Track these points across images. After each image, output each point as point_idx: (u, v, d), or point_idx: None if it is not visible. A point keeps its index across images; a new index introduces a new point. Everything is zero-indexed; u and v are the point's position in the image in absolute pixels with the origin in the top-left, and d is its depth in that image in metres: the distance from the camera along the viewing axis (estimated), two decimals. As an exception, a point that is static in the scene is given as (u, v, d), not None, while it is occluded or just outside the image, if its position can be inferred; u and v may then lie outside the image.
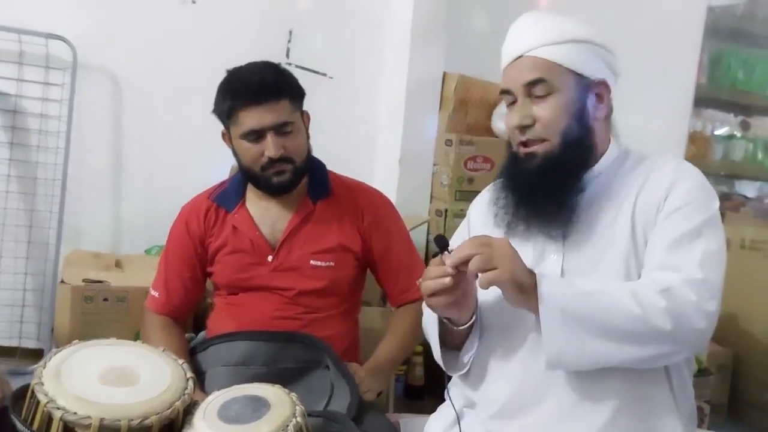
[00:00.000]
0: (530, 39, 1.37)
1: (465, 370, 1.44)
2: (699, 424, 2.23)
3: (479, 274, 1.24)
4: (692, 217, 1.32)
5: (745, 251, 3.09)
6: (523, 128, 1.36)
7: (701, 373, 2.83)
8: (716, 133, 4.28)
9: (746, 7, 4.13)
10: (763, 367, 3.09)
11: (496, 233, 1.41)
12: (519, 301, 1.27)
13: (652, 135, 3.33)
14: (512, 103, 1.39)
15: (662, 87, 3.42)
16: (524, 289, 1.25)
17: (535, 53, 1.36)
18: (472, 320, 1.38)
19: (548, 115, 1.35)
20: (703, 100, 3.98)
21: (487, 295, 1.39)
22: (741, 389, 3.17)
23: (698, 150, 3.97)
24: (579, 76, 1.37)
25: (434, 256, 1.33)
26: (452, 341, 1.44)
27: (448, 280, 1.26)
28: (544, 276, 1.27)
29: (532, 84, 1.35)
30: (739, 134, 4.31)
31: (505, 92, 1.40)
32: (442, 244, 1.30)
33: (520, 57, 1.37)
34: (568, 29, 1.37)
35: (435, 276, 1.27)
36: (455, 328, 1.38)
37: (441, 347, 1.43)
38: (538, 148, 1.36)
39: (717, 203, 1.38)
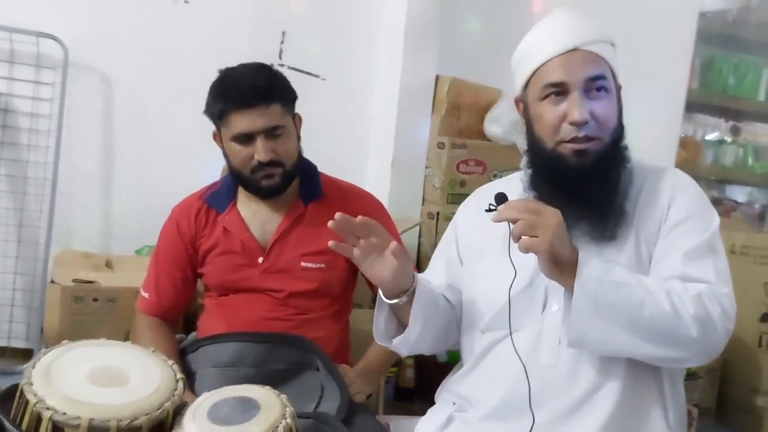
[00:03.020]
0: (585, 33, 1.34)
1: (409, 348, 1.43)
2: (687, 427, 2.24)
3: (521, 238, 1.23)
4: (701, 229, 1.33)
5: (736, 256, 3.11)
6: (583, 124, 1.31)
7: (690, 376, 2.84)
8: (707, 138, 4.30)
9: (738, 12, 4.16)
10: (751, 372, 3.11)
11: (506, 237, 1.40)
12: (553, 273, 1.26)
13: (644, 140, 3.32)
14: (558, 96, 1.34)
15: (654, 92, 3.43)
16: (560, 263, 1.24)
17: (593, 48, 1.33)
18: (402, 298, 1.36)
19: (606, 113, 1.33)
20: (694, 105, 4.00)
21: (489, 299, 1.40)
22: (729, 393, 3.18)
23: (689, 155, 3.99)
24: (614, 78, 1.38)
25: (487, 211, 1.31)
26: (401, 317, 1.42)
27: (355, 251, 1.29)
28: (587, 258, 1.26)
29: (593, 79, 1.32)
30: (729, 139, 4.34)
31: (554, 85, 1.33)
32: (502, 200, 1.29)
33: (574, 50, 1.33)
34: (605, 29, 1.37)
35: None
36: (386, 300, 1.37)
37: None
38: (590, 146, 1.33)
39: (717, 214, 1.40)
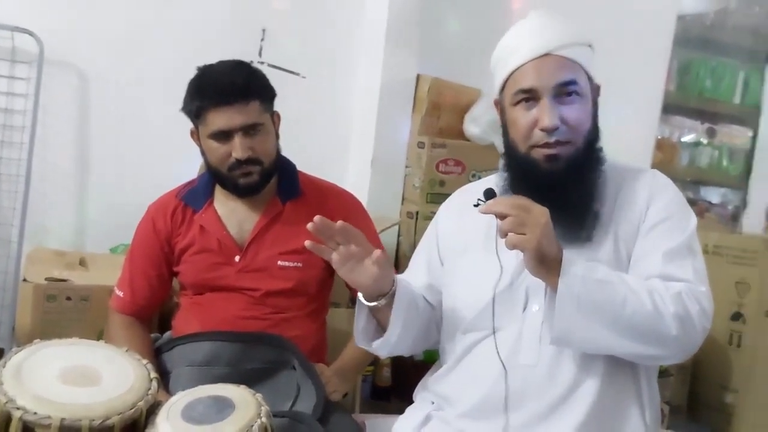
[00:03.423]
0: (557, 37, 1.35)
1: (389, 350, 1.43)
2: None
3: (507, 235, 1.23)
4: (680, 230, 1.35)
5: (709, 256, 3.14)
6: (553, 130, 1.33)
7: (662, 374, 2.86)
8: (683, 139, 4.35)
9: (716, 16, 4.20)
10: (721, 370, 3.15)
11: (487, 238, 1.41)
12: (538, 271, 1.27)
13: (621, 141, 3.34)
14: (529, 102, 1.35)
15: (631, 93, 3.46)
16: (546, 262, 1.25)
17: (563, 52, 1.34)
18: (382, 300, 1.36)
19: (577, 118, 1.34)
20: (671, 108, 4.04)
21: (472, 298, 1.40)
22: (700, 391, 3.23)
23: (665, 156, 4.03)
24: (590, 80, 1.38)
25: (475, 206, 1.32)
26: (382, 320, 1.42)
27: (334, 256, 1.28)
28: (572, 256, 1.27)
29: (564, 84, 1.33)
30: (705, 141, 4.39)
31: (525, 91, 1.35)
32: (490, 196, 1.30)
33: (546, 55, 1.34)
34: (582, 31, 1.37)
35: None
36: (366, 303, 1.37)
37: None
38: (561, 151, 1.34)
39: (694, 215, 1.41)
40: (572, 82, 1.34)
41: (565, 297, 1.24)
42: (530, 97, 1.35)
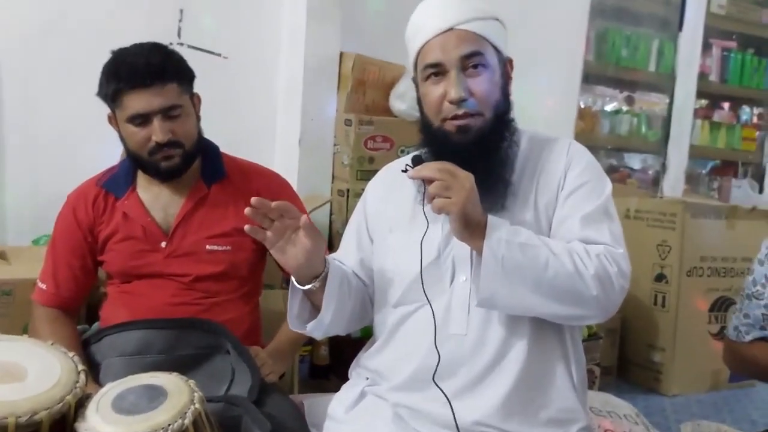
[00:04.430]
0: (460, 12, 1.37)
1: (323, 332, 1.45)
2: (590, 386, 2.36)
3: (434, 199, 1.26)
4: (596, 195, 1.40)
5: (630, 221, 3.27)
6: (460, 101, 1.35)
7: (591, 337, 2.98)
8: (604, 108, 4.47)
9: (629, -14, 4.32)
10: (647, 331, 3.29)
11: (414, 212, 1.43)
12: (463, 235, 1.30)
13: (543, 111, 3.45)
14: (437, 77, 1.38)
15: (552, 65, 3.54)
16: (470, 225, 1.28)
17: (467, 26, 1.36)
18: (315, 283, 1.37)
19: (484, 89, 1.36)
20: (591, 77, 4.15)
21: (401, 272, 1.42)
22: (628, 351, 3.37)
23: (586, 125, 4.14)
24: (499, 53, 1.41)
25: (403, 171, 1.34)
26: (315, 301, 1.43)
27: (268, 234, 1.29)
28: (496, 220, 1.30)
29: (467, 57, 1.36)
30: (624, 109, 4.52)
31: (432, 66, 1.38)
32: (418, 162, 1.33)
33: (449, 30, 1.36)
34: (487, 6, 1.40)
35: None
36: (299, 287, 1.38)
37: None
38: (471, 122, 1.36)
39: (609, 180, 1.46)
40: (476, 53, 1.36)
41: (490, 259, 1.28)
42: (438, 71, 1.38)
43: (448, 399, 1.33)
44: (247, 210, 1.27)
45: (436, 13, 1.39)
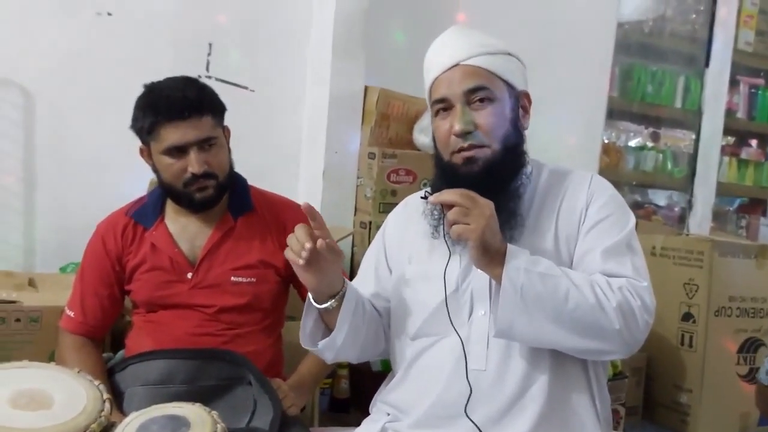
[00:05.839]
0: (466, 49, 1.40)
1: (334, 353, 1.46)
2: (615, 426, 2.32)
3: (453, 225, 1.27)
4: (618, 228, 1.39)
5: (656, 258, 3.23)
6: (464, 134, 1.37)
7: (617, 376, 2.92)
8: (628, 144, 4.45)
9: (654, 23, 4.32)
10: (673, 370, 3.22)
11: (432, 245, 1.43)
12: (481, 263, 1.30)
13: (568, 147, 3.44)
14: (446, 112, 1.40)
15: (576, 101, 3.54)
16: (489, 253, 1.28)
17: (472, 62, 1.39)
18: (332, 302, 1.39)
19: (490, 122, 1.38)
20: (615, 113, 4.14)
21: (420, 303, 1.42)
22: (654, 391, 3.29)
23: (611, 161, 4.12)
24: (510, 87, 1.42)
25: (423, 198, 1.38)
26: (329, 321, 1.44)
27: (304, 254, 1.31)
28: (515, 249, 1.30)
29: (472, 91, 1.38)
30: (649, 145, 4.50)
31: (439, 101, 1.41)
32: (437, 191, 1.35)
33: (455, 66, 1.39)
34: (497, 42, 1.43)
35: (294, 247, 1.33)
36: (316, 305, 1.39)
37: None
38: (478, 153, 1.38)
39: (632, 214, 1.46)
40: (481, 87, 1.38)
41: (508, 288, 1.27)
42: (445, 106, 1.41)
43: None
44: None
45: (444, 51, 1.42)
